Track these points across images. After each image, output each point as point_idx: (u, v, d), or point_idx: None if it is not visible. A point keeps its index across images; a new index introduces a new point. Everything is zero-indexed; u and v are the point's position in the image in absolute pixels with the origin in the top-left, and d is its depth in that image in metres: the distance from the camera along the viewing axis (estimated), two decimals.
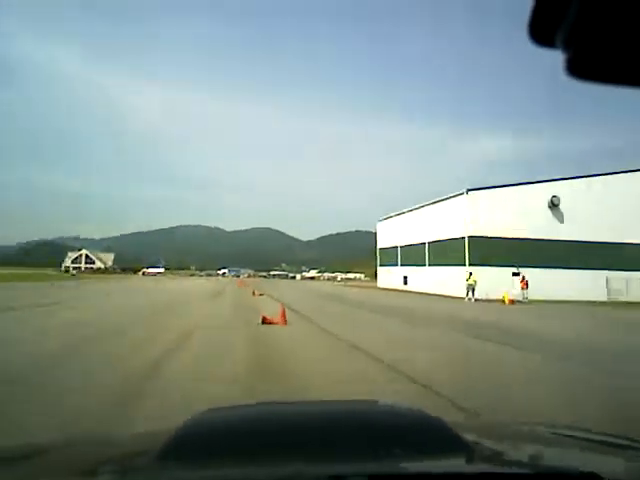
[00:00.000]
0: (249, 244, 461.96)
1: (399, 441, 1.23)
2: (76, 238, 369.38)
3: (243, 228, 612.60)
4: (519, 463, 1.35)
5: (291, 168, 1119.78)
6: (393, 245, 51.85)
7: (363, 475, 0.98)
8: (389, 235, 54.08)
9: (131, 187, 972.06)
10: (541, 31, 0.69)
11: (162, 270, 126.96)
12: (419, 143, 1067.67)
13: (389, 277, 51.92)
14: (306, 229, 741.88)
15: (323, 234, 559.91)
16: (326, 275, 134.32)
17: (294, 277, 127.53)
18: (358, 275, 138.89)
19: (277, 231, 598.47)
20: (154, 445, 1.24)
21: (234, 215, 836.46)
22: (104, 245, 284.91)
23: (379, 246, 57.38)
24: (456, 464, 1.16)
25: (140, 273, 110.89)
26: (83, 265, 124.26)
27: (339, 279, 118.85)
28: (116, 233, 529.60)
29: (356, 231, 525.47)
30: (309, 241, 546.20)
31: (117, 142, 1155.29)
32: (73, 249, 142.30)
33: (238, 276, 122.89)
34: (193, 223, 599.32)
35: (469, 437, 1.35)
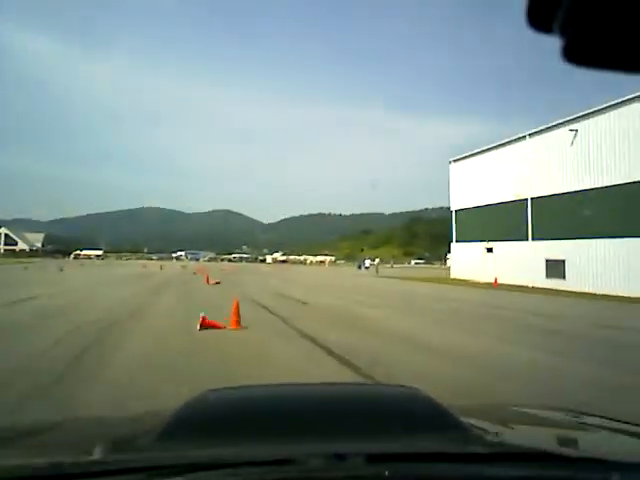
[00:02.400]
0: (209, 227, 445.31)
1: (398, 422, 1.24)
2: (26, 220, 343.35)
3: (203, 210, 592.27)
4: (515, 445, 1.34)
5: (253, 150, 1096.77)
6: (490, 202, 31.69)
7: (362, 455, 0.98)
8: (477, 188, 33.42)
9: (89, 168, 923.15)
10: (538, 17, 0.69)
11: (100, 253, 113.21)
12: (384, 126, 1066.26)
13: (476, 260, 32.50)
14: (268, 212, 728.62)
15: (285, 216, 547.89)
16: (291, 258, 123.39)
17: (264, 260, 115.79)
18: (327, 258, 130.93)
19: (238, 213, 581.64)
20: (155, 426, 1.24)
21: (194, 197, 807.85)
22: (53, 228, 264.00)
23: (455, 207, 36.97)
24: (454, 445, 1.16)
25: (71, 256, 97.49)
26: (2, 247, 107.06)
27: (309, 262, 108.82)
28: (70, 215, 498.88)
29: (319, 214, 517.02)
30: (271, 224, 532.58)
31: (77, 121, 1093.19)
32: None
33: (197, 259, 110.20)
34: (152, 205, 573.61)
35: (468, 419, 1.35)
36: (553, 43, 0.70)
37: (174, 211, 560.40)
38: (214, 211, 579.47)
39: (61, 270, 38.91)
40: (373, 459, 0.99)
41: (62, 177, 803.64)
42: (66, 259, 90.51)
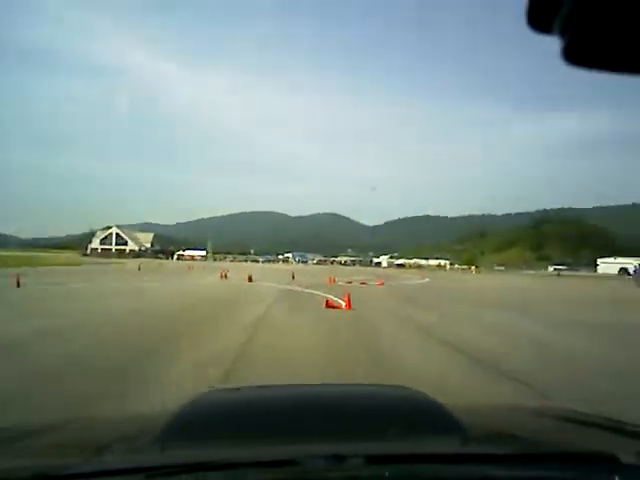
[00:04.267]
0: (314, 230, 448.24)
1: (398, 423, 1.24)
2: (146, 224, 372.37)
3: (307, 214, 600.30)
4: (517, 445, 1.34)
5: (357, 152, 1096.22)
6: None
7: (362, 456, 0.98)
8: None
9: (196, 174, 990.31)
10: (539, 18, 0.69)
11: (204, 253, 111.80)
12: (486, 122, 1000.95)
13: None
14: (372, 214, 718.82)
15: (391, 219, 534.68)
16: (397, 262, 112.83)
17: (379, 263, 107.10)
18: (442, 261, 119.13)
19: (342, 216, 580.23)
20: (155, 426, 1.25)
21: (298, 201, 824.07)
22: (169, 231, 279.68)
23: None
24: (454, 446, 1.16)
25: (175, 257, 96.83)
26: (114, 246, 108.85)
27: (425, 265, 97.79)
28: (182, 219, 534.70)
29: (424, 216, 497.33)
30: (376, 226, 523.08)
31: (178, 132, 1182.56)
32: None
33: (305, 262, 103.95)
34: (258, 209, 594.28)
35: (467, 420, 1.34)
36: (553, 44, 0.70)
37: (280, 214, 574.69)
38: (318, 214, 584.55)
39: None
40: (373, 460, 0.99)
41: (172, 184, 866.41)
42: (169, 260, 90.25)
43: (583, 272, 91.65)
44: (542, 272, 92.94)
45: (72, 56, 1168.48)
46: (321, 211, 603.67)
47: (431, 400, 1.39)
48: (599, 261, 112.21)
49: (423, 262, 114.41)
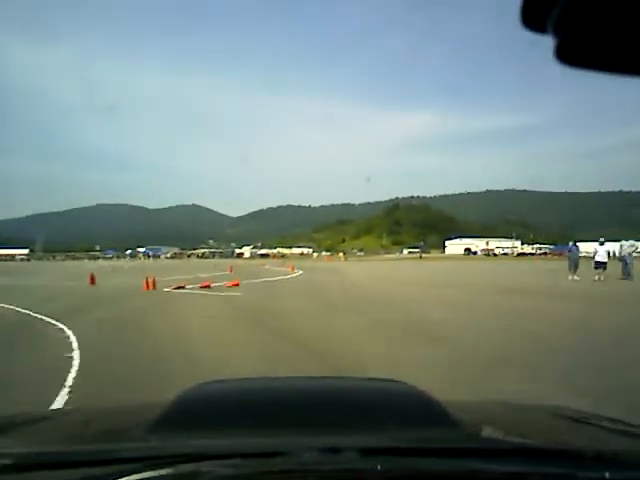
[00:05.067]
0: (174, 222, 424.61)
1: (392, 416, 1.25)
2: None
3: (167, 206, 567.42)
4: (508, 440, 1.35)
5: (219, 143, 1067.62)
6: None
7: (356, 448, 0.99)
8: None
9: (44, 164, 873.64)
10: (532, 16, 0.68)
11: (25, 252, 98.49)
12: (347, 117, 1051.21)
13: None
14: (236, 205, 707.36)
15: (254, 209, 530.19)
16: (261, 251, 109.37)
17: (241, 254, 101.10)
18: (305, 250, 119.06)
19: (204, 207, 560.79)
20: (150, 416, 1.25)
21: (157, 193, 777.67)
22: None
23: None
24: (447, 440, 1.17)
25: None
26: None
27: (287, 255, 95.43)
28: (23, 213, 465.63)
29: (288, 206, 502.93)
30: (239, 217, 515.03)
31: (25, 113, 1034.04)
32: None
33: (157, 256, 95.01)
34: (112, 202, 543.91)
35: (462, 414, 1.36)
36: (547, 43, 0.68)
37: (137, 207, 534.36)
38: (178, 206, 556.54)
39: None
40: (366, 453, 0.99)
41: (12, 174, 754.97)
42: None
43: (433, 253, 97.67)
44: (401, 255, 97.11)
45: None
46: (181, 203, 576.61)
47: (424, 394, 1.40)
48: (447, 243, 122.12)
49: (286, 251, 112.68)
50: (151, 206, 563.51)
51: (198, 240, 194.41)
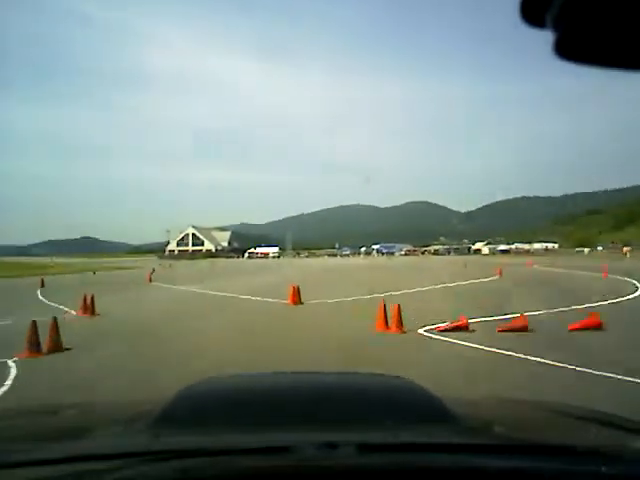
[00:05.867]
0: (404, 219, 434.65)
1: (391, 412, 1.26)
2: (242, 224, 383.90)
3: (397, 204, 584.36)
4: (508, 436, 1.35)
5: (441, 139, 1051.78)
6: None
7: (354, 444, 0.99)
8: None
9: (285, 173, 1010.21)
10: (532, 11, 0.68)
11: (276, 250, 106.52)
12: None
13: None
14: (465, 200, 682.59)
15: (484, 203, 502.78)
16: (500, 247, 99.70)
17: (478, 251, 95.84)
18: (549, 245, 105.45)
19: (434, 204, 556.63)
20: (150, 412, 1.28)
21: (388, 191, 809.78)
22: (263, 229, 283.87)
23: None
24: (447, 436, 1.16)
25: (245, 255, 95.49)
26: (190, 247, 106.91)
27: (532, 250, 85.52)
28: (273, 218, 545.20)
29: (523, 197, 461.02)
30: (469, 212, 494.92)
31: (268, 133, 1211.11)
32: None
33: (392, 253, 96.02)
34: (346, 203, 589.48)
35: (460, 411, 1.35)
36: (546, 37, 0.69)
37: (368, 207, 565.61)
38: (408, 203, 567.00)
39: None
40: (364, 448, 0.99)
41: (260, 183, 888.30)
42: (238, 258, 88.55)
43: None
44: None
45: None
46: (411, 200, 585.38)
47: (424, 391, 1.39)
48: None
49: (527, 247, 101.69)
50: (382, 205, 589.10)
51: (429, 236, 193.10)
